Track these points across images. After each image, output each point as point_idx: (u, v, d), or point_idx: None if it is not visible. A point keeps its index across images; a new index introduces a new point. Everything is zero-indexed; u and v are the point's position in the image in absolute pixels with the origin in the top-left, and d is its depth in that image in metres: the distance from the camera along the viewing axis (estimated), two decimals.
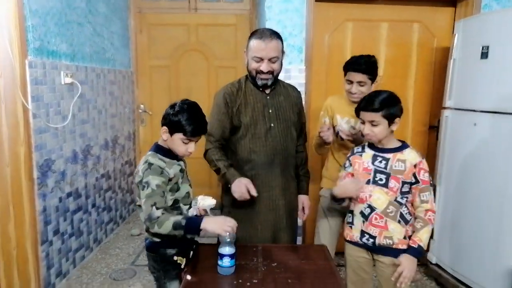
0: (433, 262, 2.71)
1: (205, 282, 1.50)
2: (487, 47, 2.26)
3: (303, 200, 2.11)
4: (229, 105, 1.90)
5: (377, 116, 1.61)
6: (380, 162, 1.68)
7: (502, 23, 2.20)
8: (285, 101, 1.97)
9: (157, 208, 1.46)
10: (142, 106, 4.01)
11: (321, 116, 2.20)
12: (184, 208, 1.64)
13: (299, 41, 2.89)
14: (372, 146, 1.74)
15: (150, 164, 1.52)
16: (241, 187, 1.77)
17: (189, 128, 1.51)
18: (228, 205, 1.99)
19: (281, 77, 2.01)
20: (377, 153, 1.70)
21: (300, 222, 2.24)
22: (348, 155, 1.83)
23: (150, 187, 1.48)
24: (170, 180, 1.54)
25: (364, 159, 1.73)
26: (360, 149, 1.77)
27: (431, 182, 1.67)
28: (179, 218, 1.46)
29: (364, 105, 1.65)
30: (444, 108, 2.66)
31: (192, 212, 1.67)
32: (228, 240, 1.52)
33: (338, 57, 2.79)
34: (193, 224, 1.47)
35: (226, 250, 1.52)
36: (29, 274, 2.36)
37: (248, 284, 1.47)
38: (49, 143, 2.43)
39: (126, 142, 3.79)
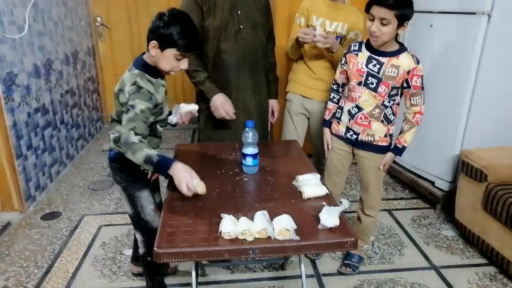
0: None
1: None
2: None
3: (273, 103, 2.22)
4: (199, 4, 1.87)
5: (390, 14, 1.51)
6: (374, 65, 1.66)
7: None
8: (253, 2, 1.96)
9: (136, 134, 1.36)
10: (98, 19, 3.79)
11: (296, 18, 2.12)
12: (159, 128, 1.59)
13: None
14: (369, 46, 1.67)
15: (139, 88, 1.40)
16: (220, 110, 1.92)
17: (183, 42, 1.36)
18: (203, 108, 2.06)
19: None
20: (372, 55, 1.66)
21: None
22: (345, 51, 1.79)
23: (134, 111, 1.37)
24: (156, 106, 1.47)
25: (359, 59, 1.70)
26: (357, 47, 1.73)
27: (423, 86, 1.68)
28: (153, 152, 1.35)
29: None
30: None
31: (172, 119, 1.65)
32: (251, 140, 1.57)
33: None
34: (164, 165, 1.35)
35: (250, 150, 1.58)
36: (8, 187, 2.41)
37: (231, 173, 1.63)
38: (8, 55, 2.32)
39: (87, 57, 3.64)
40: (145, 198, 1.61)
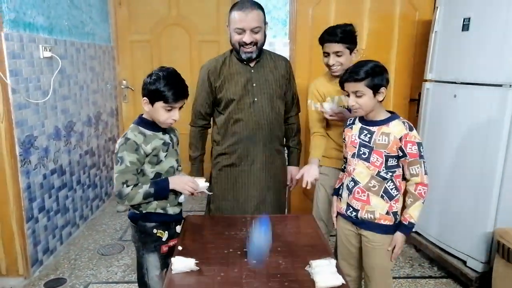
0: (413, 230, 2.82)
1: (196, 251, 1.52)
2: (469, 19, 2.30)
3: (292, 170, 2.13)
4: (211, 81, 1.92)
5: (360, 86, 1.54)
6: (365, 135, 1.63)
7: None
8: (271, 73, 1.96)
9: (128, 186, 1.47)
10: (124, 82, 3.93)
11: (310, 104, 2.06)
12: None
13: (283, 14, 2.87)
14: (362, 118, 1.68)
15: (126, 139, 1.50)
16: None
17: (168, 94, 1.48)
18: (214, 176, 2.04)
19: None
20: (364, 126, 1.65)
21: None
22: (344, 126, 1.79)
23: (124, 163, 1.48)
24: (147, 155, 1.53)
25: (353, 131, 1.68)
26: (351, 121, 1.73)
27: (422, 154, 1.59)
28: (145, 187, 1.50)
29: (347, 75, 1.58)
30: (425, 80, 2.71)
31: (182, 198, 1.66)
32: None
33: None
34: (162, 189, 1.54)
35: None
36: (15, 251, 2.35)
37: (239, 253, 1.51)
38: (30, 119, 2.37)
39: (109, 118, 3.73)
40: (151, 262, 1.62)
